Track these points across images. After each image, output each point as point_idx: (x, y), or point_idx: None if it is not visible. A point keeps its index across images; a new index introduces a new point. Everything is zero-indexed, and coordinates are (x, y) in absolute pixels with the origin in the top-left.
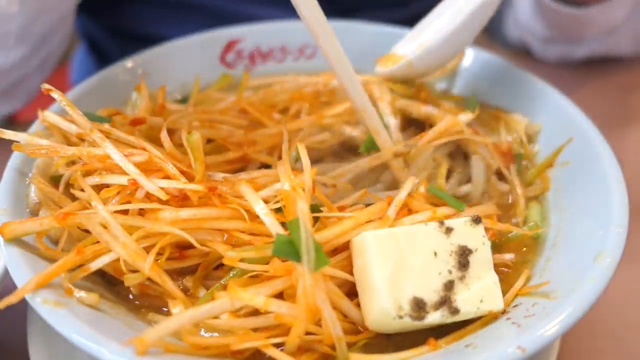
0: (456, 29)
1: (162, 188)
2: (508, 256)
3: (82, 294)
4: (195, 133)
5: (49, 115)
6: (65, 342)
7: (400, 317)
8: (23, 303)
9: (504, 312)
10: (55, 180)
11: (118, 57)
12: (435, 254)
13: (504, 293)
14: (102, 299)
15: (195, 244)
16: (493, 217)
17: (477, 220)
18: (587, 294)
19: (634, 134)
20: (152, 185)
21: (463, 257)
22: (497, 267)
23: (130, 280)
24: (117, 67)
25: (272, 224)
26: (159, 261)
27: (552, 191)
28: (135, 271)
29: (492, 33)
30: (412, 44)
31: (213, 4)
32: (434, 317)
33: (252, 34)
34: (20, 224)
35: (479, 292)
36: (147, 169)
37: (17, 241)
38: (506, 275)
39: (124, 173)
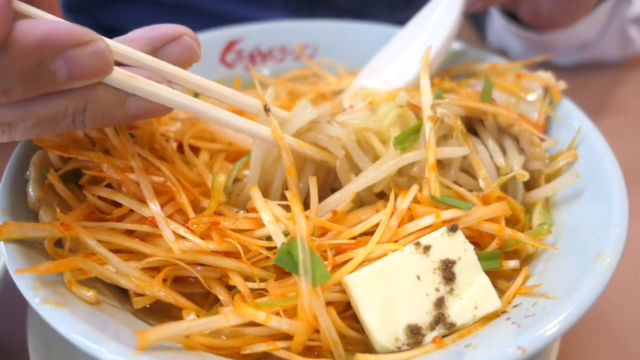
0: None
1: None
2: (512, 263)
3: (81, 290)
4: (221, 175)
5: None
6: (65, 342)
7: (399, 348)
8: (23, 303)
9: (503, 311)
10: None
11: None
12: (419, 277)
13: (504, 291)
14: (104, 297)
15: (201, 280)
16: (501, 219)
17: (453, 228)
18: (587, 294)
19: (620, 130)
20: (170, 235)
21: (447, 270)
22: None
23: (138, 303)
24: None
25: (276, 233)
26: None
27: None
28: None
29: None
30: (375, 80)
31: (212, 6)
32: (432, 337)
33: (252, 34)
34: (18, 226)
35: (472, 298)
36: (159, 190)
37: (17, 240)
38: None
39: (138, 189)
